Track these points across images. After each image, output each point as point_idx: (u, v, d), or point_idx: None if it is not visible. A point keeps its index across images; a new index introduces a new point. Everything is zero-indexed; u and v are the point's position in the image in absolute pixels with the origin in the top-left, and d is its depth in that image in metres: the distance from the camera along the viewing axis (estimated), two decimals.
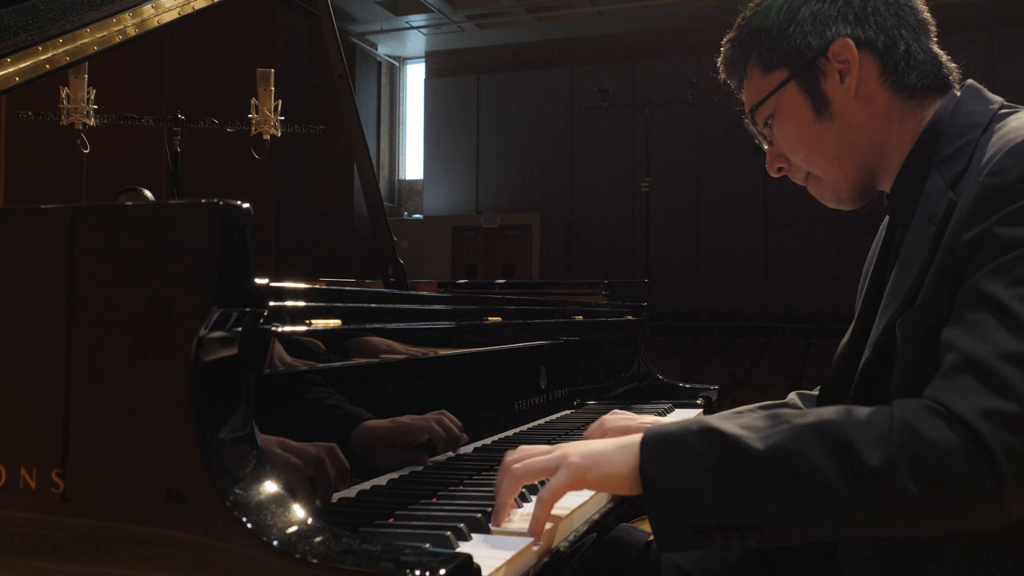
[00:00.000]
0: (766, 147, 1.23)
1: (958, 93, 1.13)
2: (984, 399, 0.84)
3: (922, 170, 1.09)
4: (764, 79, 1.18)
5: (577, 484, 0.98)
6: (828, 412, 0.92)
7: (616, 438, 1.01)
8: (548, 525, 1.01)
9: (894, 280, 1.09)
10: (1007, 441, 0.82)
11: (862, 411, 0.91)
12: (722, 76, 1.25)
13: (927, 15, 1.15)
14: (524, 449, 1.04)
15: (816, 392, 1.49)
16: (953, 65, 1.15)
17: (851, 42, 1.11)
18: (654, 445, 0.95)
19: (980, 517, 0.86)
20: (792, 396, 1.50)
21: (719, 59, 1.24)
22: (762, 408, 1.39)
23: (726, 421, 0.94)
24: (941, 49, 1.16)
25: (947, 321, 0.94)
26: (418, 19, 13.24)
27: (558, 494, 0.98)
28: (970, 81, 1.14)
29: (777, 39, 1.15)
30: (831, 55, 1.12)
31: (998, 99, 1.10)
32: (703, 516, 0.90)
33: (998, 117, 1.06)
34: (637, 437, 0.97)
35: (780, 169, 1.23)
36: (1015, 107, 1.09)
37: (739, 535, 0.90)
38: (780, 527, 0.89)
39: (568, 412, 1.93)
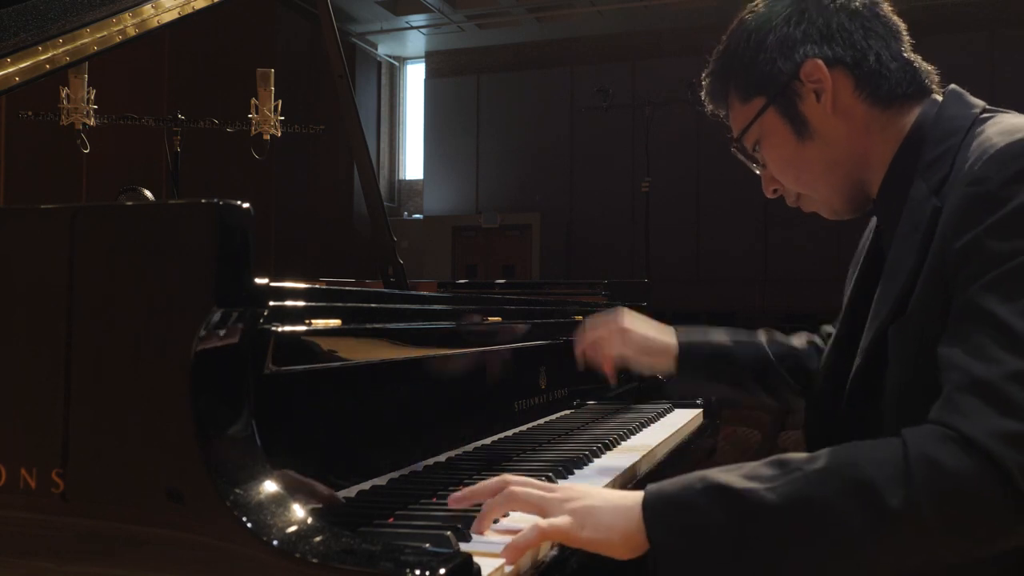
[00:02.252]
0: (758, 171, 1.25)
1: (939, 98, 1.13)
2: (995, 421, 0.84)
3: (907, 176, 1.09)
4: (744, 108, 1.20)
5: (571, 540, 0.94)
6: (838, 453, 0.89)
7: (613, 491, 0.96)
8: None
9: (882, 287, 1.09)
10: (1023, 462, 0.82)
11: (873, 447, 0.89)
12: (709, 108, 1.27)
13: (897, 21, 1.15)
14: (528, 480, 1.01)
15: (791, 339, 1.51)
16: (931, 68, 1.16)
17: (820, 62, 1.13)
18: (660, 509, 0.90)
19: (1001, 540, 0.85)
20: (761, 333, 1.50)
21: (702, 92, 1.26)
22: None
23: (728, 474, 0.90)
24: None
25: (940, 329, 0.94)
26: (418, 19, 13.22)
27: (552, 536, 0.94)
28: (952, 86, 1.14)
29: (749, 68, 1.17)
30: (803, 77, 1.13)
31: (980, 103, 1.11)
32: None
33: (978, 121, 1.06)
34: (635, 498, 0.92)
35: (775, 190, 1.25)
36: (996, 111, 1.09)
37: None
38: None
39: (568, 412, 1.93)
